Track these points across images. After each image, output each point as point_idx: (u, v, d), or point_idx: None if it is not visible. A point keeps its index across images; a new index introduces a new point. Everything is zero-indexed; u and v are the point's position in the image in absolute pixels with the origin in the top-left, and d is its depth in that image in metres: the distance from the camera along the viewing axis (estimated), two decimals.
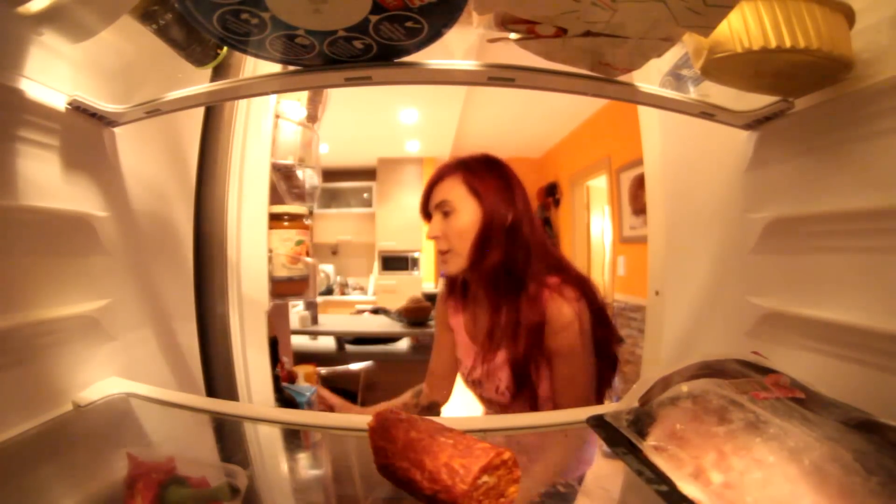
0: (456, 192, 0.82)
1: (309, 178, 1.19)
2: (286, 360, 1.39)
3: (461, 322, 0.90)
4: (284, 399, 1.08)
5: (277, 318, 1.55)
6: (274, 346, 1.04)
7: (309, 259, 1.02)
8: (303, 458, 0.58)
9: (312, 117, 1.33)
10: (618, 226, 3.00)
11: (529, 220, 0.82)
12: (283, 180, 1.16)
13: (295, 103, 1.08)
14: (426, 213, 0.88)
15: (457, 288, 0.91)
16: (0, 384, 0.48)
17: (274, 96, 0.98)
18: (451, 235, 0.82)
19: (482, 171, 0.83)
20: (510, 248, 0.80)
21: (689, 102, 0.59)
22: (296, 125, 1.08)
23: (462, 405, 0.98)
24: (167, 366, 0.76)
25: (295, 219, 1.02)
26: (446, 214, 0.82)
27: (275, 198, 1.19)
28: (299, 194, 1.28)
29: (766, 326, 0.63)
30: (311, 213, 1.22)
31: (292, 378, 1.35)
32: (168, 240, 0.81)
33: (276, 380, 1.02)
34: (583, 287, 0.80)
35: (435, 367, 0.97)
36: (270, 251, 0.96)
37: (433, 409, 0.97)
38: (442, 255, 0.84)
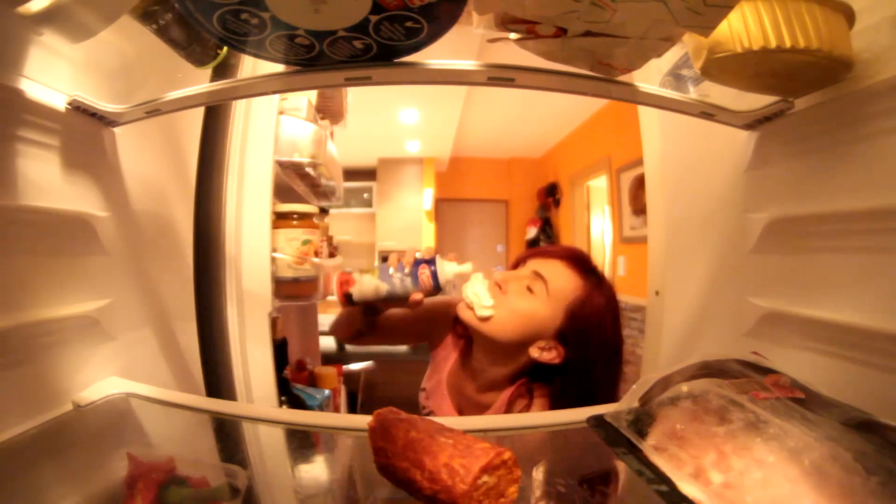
0: (558, 286, 0.68)
1: (325, 176, 1.15)
2: (309, 361, 1.36)
3: (449, 360, 0.84)
4: (293, 401, 1.05)
5: (303, 319, 1.51)
6: (282, 348, 1.02)
7: (317, 259, 0.96)
8: (303, 458, 0.58)
9: (337, 115, 1.29)
10: (618, 226, 3.00)
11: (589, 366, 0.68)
12: (299, 179, 1.12)
13: (304, 100, 1.04)
14: (515, 264, 0.76)
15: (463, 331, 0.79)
16: (0, 384, 0.48)
17: (276, 95, 0.97)
18: (512, 308, 0.68)
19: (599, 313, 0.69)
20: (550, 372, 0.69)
21: (689, 102, 0.59)
22: (306, 123, 1.03)
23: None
24: (167, 366, 0.75)
25: (304, 217, 0.96)
26: (530, 289, 0.69)
27: (294, 197, 1.15)
28: (321, 193, 1.24)
29: (766, 326, 0.63)
30: (326, 212, 1.16)
31: (314, 380, 1.30)
32: (168, 240, 0.81)
33: (284, 382, 0.99)
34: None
35: (398, 314, 0.85)
36: (273, 251, 0.92)
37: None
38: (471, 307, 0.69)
